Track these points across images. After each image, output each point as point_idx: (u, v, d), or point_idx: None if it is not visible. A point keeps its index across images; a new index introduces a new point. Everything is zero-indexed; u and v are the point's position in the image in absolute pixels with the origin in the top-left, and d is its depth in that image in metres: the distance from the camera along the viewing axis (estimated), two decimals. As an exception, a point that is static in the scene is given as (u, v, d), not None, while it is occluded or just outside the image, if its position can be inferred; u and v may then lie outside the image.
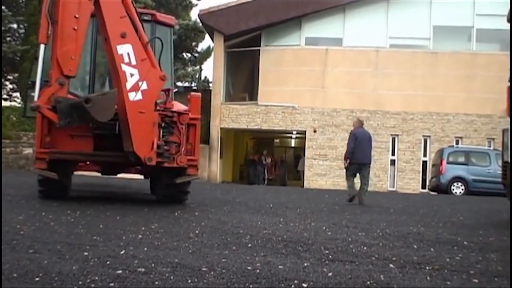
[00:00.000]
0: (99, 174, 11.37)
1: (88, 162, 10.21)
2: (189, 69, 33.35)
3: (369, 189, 22.75)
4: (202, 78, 36.47)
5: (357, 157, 12.00)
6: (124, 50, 7.95)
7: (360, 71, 24.88)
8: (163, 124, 8.45)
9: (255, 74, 26.21)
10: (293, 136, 32.74)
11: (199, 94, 9.35)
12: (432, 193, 21.58)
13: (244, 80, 30.30)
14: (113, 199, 9.53)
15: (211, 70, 26.71)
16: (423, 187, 24.15)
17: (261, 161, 29.08)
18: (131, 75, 7.97)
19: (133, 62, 7.99)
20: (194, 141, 8.83)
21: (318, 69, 25.10)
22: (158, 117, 8.30)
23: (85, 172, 11.53)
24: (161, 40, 8.68)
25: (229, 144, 29.29)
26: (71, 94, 8.31)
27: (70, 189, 9.47)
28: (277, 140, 37.22)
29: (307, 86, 25.05)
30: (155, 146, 8.12)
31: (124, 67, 7.95)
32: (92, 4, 7.88)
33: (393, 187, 24.52)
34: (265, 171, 29.03)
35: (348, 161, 12.12)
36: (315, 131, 24.70)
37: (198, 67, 35.64)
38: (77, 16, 7.69)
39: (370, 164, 12.30)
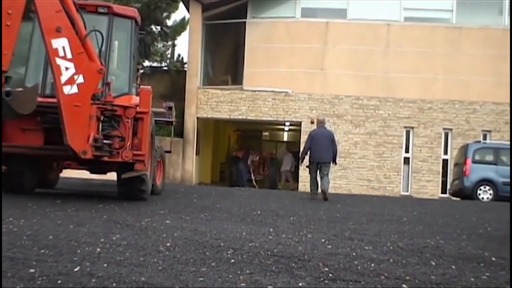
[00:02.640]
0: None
1: (69, 163, 12.13)
2: (159, 46, 33.15)
3: (378, 193, 23.14)
4: (175, 56, 36.27)
5: (314, 156, 14.71)
6: (59, 44, 9.44)
7: (367, 50, 24.95)
8: (102, 118, 10.04)
9: (240, 52, 26.16)
10: (286, 128, 32.76)
11: (149, 88, 10.88)
12: (454, 198, 21.71)
13: (226, 60, 30.21)
14: (67, 203, 9.51)
15: (186, 46, 26.64)
16: (443, 191, 24.30)
17: (246, 158, 29.11)
18: (66, 68, 9.46)
19: (69, 55, 9.47)
20: (142, 135, 10.30)
21: (317, 47, 25.13)
22: (97, 111, 9.90)
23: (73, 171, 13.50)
24: (101, 33, 10.22)
25: (208, 138, 29.28)
26: (24, 87, 10.21)
27: (31, 184, 11.30)
28: (267, 133, 37.22)
29: (303, 67, 25.07)
30: (91, 139, 9.66)
31: (59, 61, 9.44)
32: (25, 0, 9.19)
33: (407, 191, 24.65)
34: (251, 171, 29.05)
35: (303, 161, 15.21)
36: (312, 122, 24.71)
37: (170, 43, 35.44)
38: (10, 12, 8.84)
39: (329, 163, 14.78)
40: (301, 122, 25.10)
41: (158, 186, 13.12)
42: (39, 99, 10.14)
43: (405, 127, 24.79)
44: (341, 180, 23.48)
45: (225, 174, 32.66)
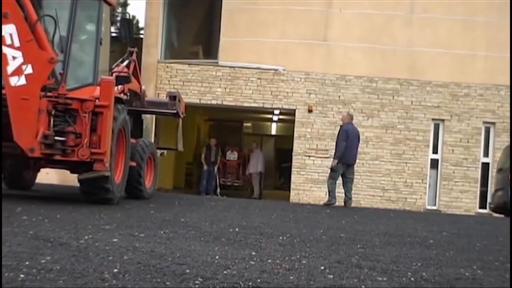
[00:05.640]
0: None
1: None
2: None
3: (395, 206, 23.31)
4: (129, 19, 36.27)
5: (345, 156, 17.56)
6: (6, 31, 10.85)
7: (385, 16, 25.03)
8: (54, 112, 11.45)
9: (215, 16, 26.16)
10: (275, 117, 32.83)
11: (112, 79, 12.52)
12: (496, 214, 21.83)
13: (196, 25, 30.22)
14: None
15: (144, 7, 26.63)
16: (483, 205, 24.43)
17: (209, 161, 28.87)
18: (14, 58, 10.94)
19: (16, 43, 10.95)
20: (102, 131, 11.63)
21: (318, 11, 25.16)
22: (48, 104, 11.36)
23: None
24: (53, 18, 11.66)
25: (170, 130, 29.12)
26: None
27: None
28: (249, 124, 37.29)
29: (299, 37, 25.10)
30: (39, 136, 11.12)
31: (6, 50, 10.89)
32: None
33: (434, 204, 24.78)
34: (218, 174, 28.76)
35: (339, 161, 17.65)
36: (310, 111, 24.79)
37: (121, 1, 35.46)
38: None
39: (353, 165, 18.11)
40: (295, 110, 25.09)
41: (147, 190, 15.31)
42: None
43: (433, 119, 24.91)
44: (347, 188, 23.58)
45: (192, 178, 32.69)
